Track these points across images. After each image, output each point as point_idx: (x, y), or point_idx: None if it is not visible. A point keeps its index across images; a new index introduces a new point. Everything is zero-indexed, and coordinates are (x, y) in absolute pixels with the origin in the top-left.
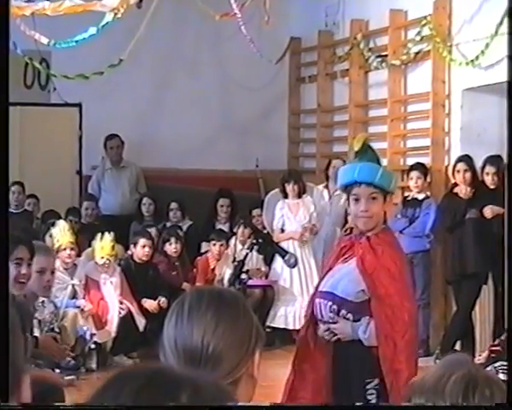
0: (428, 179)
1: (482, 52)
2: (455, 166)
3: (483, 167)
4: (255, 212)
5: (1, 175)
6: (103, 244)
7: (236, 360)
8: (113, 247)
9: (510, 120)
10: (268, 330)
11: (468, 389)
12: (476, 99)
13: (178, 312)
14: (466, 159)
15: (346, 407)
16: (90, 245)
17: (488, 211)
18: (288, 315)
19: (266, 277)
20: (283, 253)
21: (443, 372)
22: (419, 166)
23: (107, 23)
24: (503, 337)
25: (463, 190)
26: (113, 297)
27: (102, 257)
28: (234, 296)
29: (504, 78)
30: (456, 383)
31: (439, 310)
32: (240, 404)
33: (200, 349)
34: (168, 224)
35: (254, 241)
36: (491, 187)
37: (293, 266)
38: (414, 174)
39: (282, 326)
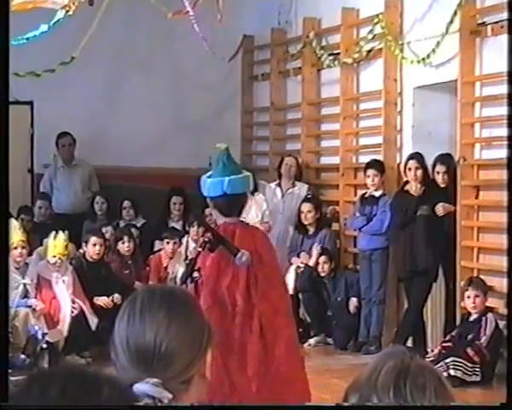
0: (383, 177)
1: (433, 50)
2: (406, 163)
3: (434, 166)
4: (208, 211)
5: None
6: (56, 243)
7: (188, 360)
8: (66, 246)
9: (510, 118)
10: None
11: (399, 378)
12: (427, 97)
13: (130, 310)
14: (417, 156)
15: (346, 407)
16: (41, 244)
17: (440, 208)
18: None
19: None
20: (235, 251)
21: (375, 365)
22: (375, 164)
23: (58, 20)
24: (453, 334)
25: (414, 188)
26: (65, 296)
27: (54, 256)
28: (186, 295)
29: (455, 76)
30: (387, 374)
31: (391, 307)
32: (240, 404)
33: (152, 349)
34: (121, 222)
35: (206, 239)
36: (442, 186)
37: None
38: (370, 172)
39: None
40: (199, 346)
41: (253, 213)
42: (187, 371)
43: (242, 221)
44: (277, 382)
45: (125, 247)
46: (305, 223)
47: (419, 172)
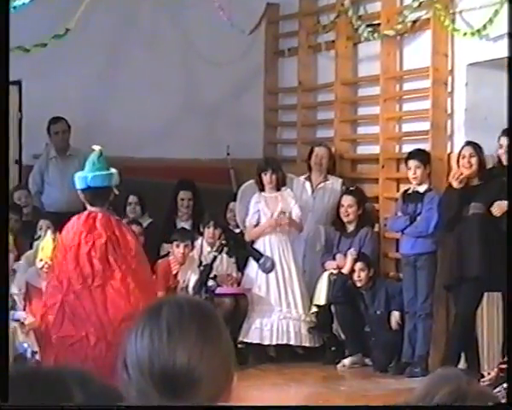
0: (428, 169)
1: (490, 21)
2: (460, 151)
3: (498, 140)
4: (232, 205)
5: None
6: (44, 245)
7: (219, 386)
8: (54, 248)
9: (510, 119)
10: (240, 346)
11: (456, 407)
12: (483, 76)
13: (153, 326)
14: (472, 144)
15: (346, 407)
16: (31, 247)
17: (497, 209)
18: (264, 328)
19: (238, 284)
20: (258, 256)
21: (427, 391)
22: (418, 154)
23: None
24: None
25: (465, 180)
26: None
27: (41, 260)
28: (213, 310)
29: None
30: (441, 401)
31: (440, 322)
32: (240, 404)
33: (184, 374)
34: (124, 221)
35: (224, 242)
36: (505, 163)
37: (270, 271)
38: (412, 163)
39: (257, 341)
40: (227, 370)
41: (279, 211)
42: (216, 399)
43: (107, 210)
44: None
45: None
46: (345, 219)
47: (474, 160)
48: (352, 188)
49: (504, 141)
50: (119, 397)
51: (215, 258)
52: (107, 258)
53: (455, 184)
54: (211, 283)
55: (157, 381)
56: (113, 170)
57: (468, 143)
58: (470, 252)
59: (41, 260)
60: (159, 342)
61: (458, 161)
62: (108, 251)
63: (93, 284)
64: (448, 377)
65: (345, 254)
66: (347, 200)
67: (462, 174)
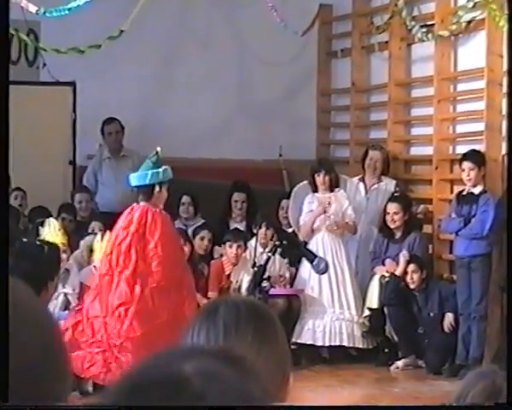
0: (483, 171)
1: None
2: None
3: None
4: (284, 203)
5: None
6: (94, 246)
7: (274, 387)
8: None
9: (510, 118)
10: (293, 347)
11: (489, 402)
12: None
13: (210, 325)
14: None
15: (346, 407)
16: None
17: None
18: (317, 330)
19: (291, 285)
20: (312, 257)
21: (462, 388)
22: (472, 155)
23: None
24: None
25: None
26: None
27: (94, 260)
28: (270, 311)
29: None
30: (475, 397)
31: (494, 324)
32: (241, 404)
33: None
34: (177, 222)
35: (277, 243)
36: None
37: (323, 273)
38: (466, 165)
39: (310, 342)
40: (283, 372)
41: (332, 212)
42: (272, 400)
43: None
44: None
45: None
46: (392, 226)
47: None
48: (396, 194)
49: None
50: None
51: (269, 259)
52: (131, 248)
53: None
54: (265, 283)
55: None
56: (158, 169)
57: None
58: None
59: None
60: (215, 341)
61: None
62: (133, 242)
63: (116, 270)
64: (484, 374)
65: (394, 260)
66: (393, 207)
67: None
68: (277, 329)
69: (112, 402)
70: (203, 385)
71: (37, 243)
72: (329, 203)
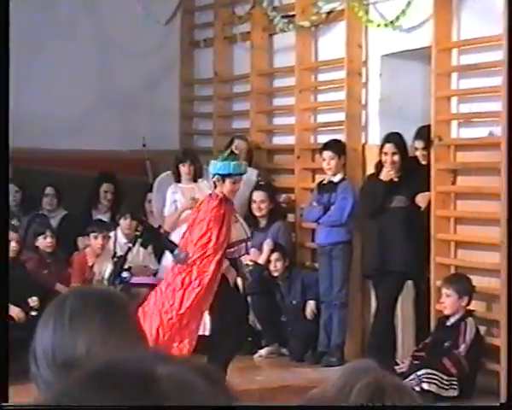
0: (343, 160)
1: (403, 12)
2: (382, 146)
3: (413, 142)
4: (150, 195)
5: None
6: None
7: None
8: None
9: (510, 118)
10: None
11: (373, 400)
12: (397, 66)
13: (57, 317)
14: (394, 139)
15: (346, 407)
16: None
17: (420, 199)
18: None
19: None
20: (172, 247)
21: (344, 382)
22: (332, 144)
23: None
24: (427, 341)
25: (388, 174)
26: None
27: None
28: (124, 301)
29: (428, 42)
30: (359, 393)
31: (355, 311)
32: (240, 404)
33: (84, 363)
34: (40, 213)
35: (138, 233)
36: (423, 163)
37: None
38: (326, 154)
39: None
40: None
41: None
42: None
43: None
44: None
45: (46, 242)
46: (258, 214)
47: (396, 158)
48: (261, 183)
49: (420, 144)
50: None
51: (129, 249)
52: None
53: (383, 177)
54: (125, 274)
55: (59, 371)
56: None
57: (389, 140)
58: (393, 245)
59: None
60: (61, 331)
61: (380, 154)
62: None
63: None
64: (364, 368)
65: (259, 249)
66: (259, 195)
67: (389, 172)
68: (130, 321)
69: (82, 384)
70: (171, 389)
71: None
72: (194, 197)
